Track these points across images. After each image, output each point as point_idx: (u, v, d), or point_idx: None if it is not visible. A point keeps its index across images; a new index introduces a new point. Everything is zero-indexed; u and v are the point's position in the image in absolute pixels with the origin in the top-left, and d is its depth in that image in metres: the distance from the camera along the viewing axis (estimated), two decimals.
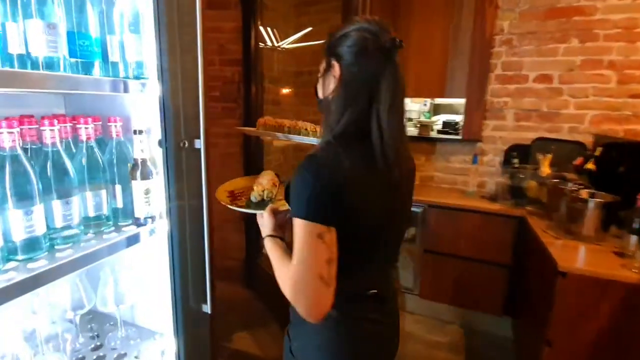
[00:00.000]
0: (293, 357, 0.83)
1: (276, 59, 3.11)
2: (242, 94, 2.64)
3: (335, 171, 0.67)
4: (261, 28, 2.69)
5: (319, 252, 0.67)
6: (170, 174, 0.92)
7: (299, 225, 0.68)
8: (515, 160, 2.47)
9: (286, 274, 0.71)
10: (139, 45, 0.89)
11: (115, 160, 0.94)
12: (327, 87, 0.78)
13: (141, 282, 1.05)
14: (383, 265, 0.83)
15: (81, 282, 0.97)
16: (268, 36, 2.79)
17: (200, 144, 0.95)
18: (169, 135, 0.90)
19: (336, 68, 0.74)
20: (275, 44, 2.91)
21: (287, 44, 3.05)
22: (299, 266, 0.68)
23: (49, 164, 0.78)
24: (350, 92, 0.72)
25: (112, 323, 1.12)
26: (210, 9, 2.53)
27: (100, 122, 0.93)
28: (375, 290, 0.79)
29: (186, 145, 0.94)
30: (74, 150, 0.87)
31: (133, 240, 0.91)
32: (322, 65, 0.78)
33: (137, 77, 0.90)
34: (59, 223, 0.80)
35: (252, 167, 2.69)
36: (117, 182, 0.94)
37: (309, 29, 2.95)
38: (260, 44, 2.70)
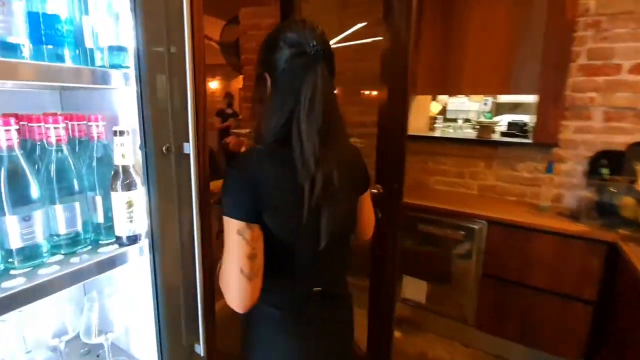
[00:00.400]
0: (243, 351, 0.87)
1: None
2: None
3: (255, 173, 0.73)
4: None
5: (239, 247, 0.71)
6: (150, 185, 0.75)
7: (225, 222, 0.74)
8: (605, 170, 2.00)
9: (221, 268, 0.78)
10: (118, 28, 0.73)
11: (96, 167, 0.79)
12: (259, 95, 0.81)
13: (132, 305, 0.90)
14: (317, 268, 0.81)
15: (63, 305, 0.84)
16: None
17: (189, 148, 0.76)
18: (149, 137, 0.73)
19: (266, 77, 0.78)
20: None
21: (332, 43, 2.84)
22: (224, 260, 0.75)
23: (2, 173, 0.64)
24: (276, 101, 0.75)
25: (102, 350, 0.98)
26: (248, 6, 2.42)
27: (79, 122, 0.78)
28: (317, 289, 0.82)
29: (172, 150, 0.76)
30: (38, 155, 0.73)
31: (112, 262, 0.75)
32: (256, 74, 0.83)
33: (114, 67, 0.73)
34: (15, 243, 0.66)
35: None
36: (97, 192, 0.79)
37: (359, 25, 2.72)
38: None
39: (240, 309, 0.73)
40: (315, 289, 0.81)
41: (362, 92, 2.82)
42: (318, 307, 0.83)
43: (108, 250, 0.77)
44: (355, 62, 2.69)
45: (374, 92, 2.87)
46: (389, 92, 1.32)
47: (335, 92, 0.80)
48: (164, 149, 0.74)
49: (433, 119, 3.06)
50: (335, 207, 0.76)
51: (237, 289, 0.72)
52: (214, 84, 8.16)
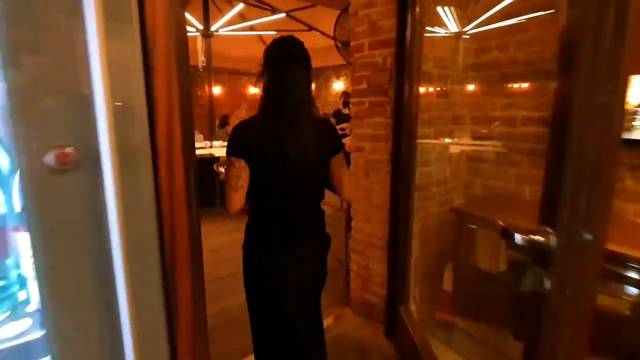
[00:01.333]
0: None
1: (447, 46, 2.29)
2: (393, 84, 1.99)
3: (246, 130, 1.21)
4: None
5: (231, 171, 1.15)
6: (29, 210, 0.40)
7: (227, 160, 1.18)
8: None
9: None
10: None
11: None
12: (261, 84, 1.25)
13: None
14: (297, 193, 1.22)
15: None
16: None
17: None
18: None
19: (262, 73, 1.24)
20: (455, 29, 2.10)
21: (470, 28, 2.21)
22: (226, 185, 1.17)
23: None
24: (265, 88, 1.22)
25: None
26: None
27: None
28: (289, 215, 1.23)
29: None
30: None
31: None
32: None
33: None
34: None
35: (402, 180, 1.99)
36: None
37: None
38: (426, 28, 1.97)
39: (230, 213, 1.17)
40: (290, 216, 1.24)
41: (508, 83, 2.10)
42: (293, 231, 1.25)
43: None
44: (496, 49, 2.02)
45: (524, 84, 2.09)
46: (576, 73, 0.69)
47: (311, 85, 1.26)
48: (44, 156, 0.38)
49: (632, 113, 2.02)
50: (299, 159, 1.18)
51: (227, 198, 1.16)
52: (339, 85, 8.12)
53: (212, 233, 3.91)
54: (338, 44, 4.85)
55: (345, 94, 5.44)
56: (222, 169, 1.35)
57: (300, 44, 1.20)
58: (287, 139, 1.16)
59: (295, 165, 1.17)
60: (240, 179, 1.14)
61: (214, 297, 2.60)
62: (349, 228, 2.67)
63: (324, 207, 1.38)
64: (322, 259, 1.37)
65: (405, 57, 1.89)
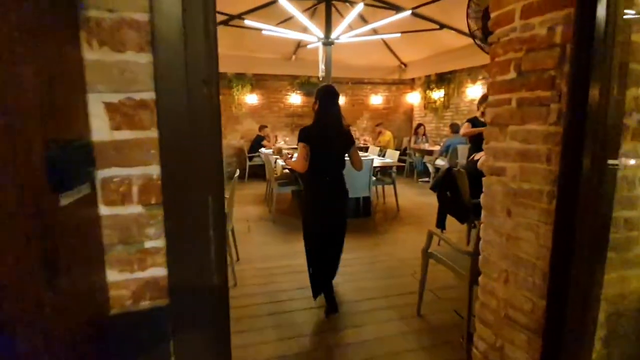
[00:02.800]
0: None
1: None
2: (567, 68, 1.19)
3: (308, 131, 2.29)
4: None
5: (302, 151, 2.25)
6: None
7: (299, 145, 2.30)
8: None
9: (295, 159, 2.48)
10: None
11: None
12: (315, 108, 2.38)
13: None
14: (331, 165, 2.35)
15: None
16: None
17: None
18: None
19: (316, 103, 2.36)
20: None
21: None
22: (298, 156, 2.33)
23: None
24: (317, 111, 2.35)
25: None
26: None
27: None
28: (327, 176, 2.36)
29: None
30: None
31: None
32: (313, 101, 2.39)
33: None
34: None
35: (581, 228, 1.16)
36: None
37: None
38: None
39: (301, 170, 2.33)
40: (327, 177, 2.36)
41: None
42: (329, 184, 2.34)
43: None
44: None
45: None
46: None
47: (340, 109, 2.40)
48: None
49: None
50: (332, 147, 2.34)
51: (300, 165, 2.28)
52: (474, 90, 6.93)
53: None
54: (476, 38, 3.95)
55: (484, 99, 4.40)
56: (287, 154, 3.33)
57: (335, 88, 2.41)
58: (327, 138, 2.30)
59: (331, 151, 2.34)
60: (308, 156, 2.27)
61: None
62: (474, 278, 1.90)
63: None
64: (344, 202, 2.51)
65: (595, 22, 1.09)
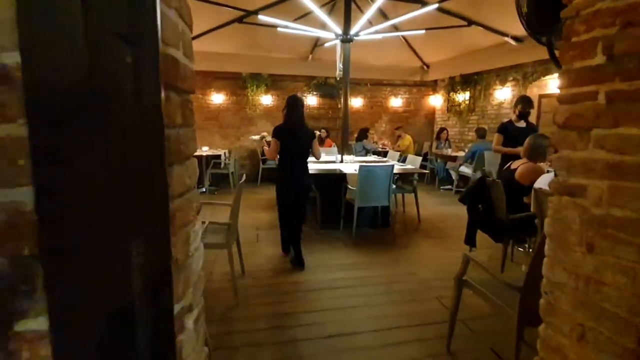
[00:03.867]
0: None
1: None
2: None
3: (281, 129, 3.05)
4: None
5: (274, 145, 3.03)
6: None
7: (272, 140, 3.07)
8: None
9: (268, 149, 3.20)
10: None
11: None
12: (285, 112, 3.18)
13: None
14: (296, 159, 3.14)
15: None
16: None
17: None
18: None
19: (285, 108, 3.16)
20: None
21: None
22: (270, 149, 3.12)
23: None
24: (286, 114, 3.12)
25: None
26: None
27: None
28: (293, 163, 3.14)
29: None
30: None
31: None
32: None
33: None
34: None
35: None
36: None
37: None
38: None
39: (272, 158, 3.23)
40: (294, 163, 3.14)
41: None
42: (295, 168, 3.13)
43: None
44: None
45: None
46: None
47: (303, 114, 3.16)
48: None
49: None
50: (301, 142, 3.12)
51: (272, 155, 3.13)
52: (503, 93, 6.43)
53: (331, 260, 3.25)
54: (527, 23, 3.55)
55: (524, 101, 3.94)
56: (267, 142, 3.27)
57: (300, 97, 3.21)
58: (294, 134, 3.04)
59: (297, 144, 3.08)
60: (278, 149, 3.03)
61: None
62: (526, 319, 1.53)
63: None
64: (307, 185, 3.25)
65: None
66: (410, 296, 2.72)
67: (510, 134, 3.91)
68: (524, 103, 3.91)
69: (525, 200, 2.96)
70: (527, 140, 3.00)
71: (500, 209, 2.89)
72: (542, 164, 2.97)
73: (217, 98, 7.64)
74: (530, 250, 3.69)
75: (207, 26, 5.98)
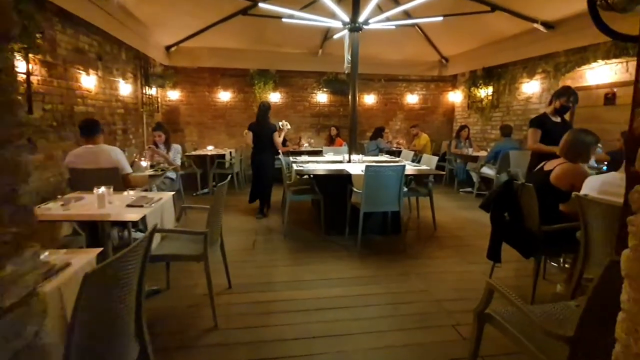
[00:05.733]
0: None
1: None
2: None
3: (252, 124, 4.81)
4: None
5: (248, 135, 4.71)
6: None
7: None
8: None
9: None
10: None
11: None
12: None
13: None
14: (261, 143, 4.71)
15: None
16: None
17: None
18: None
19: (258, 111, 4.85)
20: None
21: None
22: (247, 137, 4.91)
23: None
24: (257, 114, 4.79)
25: None
26: None
27: None
28: (259, 148, 4.76)
29: None
30: None
31: None
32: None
33: None
34: None
35: None
36: None
37: None
38: None
39: (250, 145, 4.80)
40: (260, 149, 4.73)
41: None
42: (261, 152, 4.74)
43: None
44: None
45: None
46: None
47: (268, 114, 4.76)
48: None
49: None
50: (264, 134, 4.69)
51: (249, 143, 4.78)
52: (531, 86, 5.82)
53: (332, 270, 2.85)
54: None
55: (569, 93, 3.35)
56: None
57: (268, 103, 4.83)
58: (260, 128, 4.64)
59: (262, 135, 4.64)
60: (251, 138, 4.65)
61: None
62: None
63: None
64: (271, 164, 4.81)
65: None
66: (420, 322, 2.28)
67: (546, 129, 3.37)
68: (568, 95, 3.33)
69: (561, 207, 2.46)
70: (565, 137, 2.49)
71: (531, 218, 2.41)
72: (583, 164, 2.46)
73: (224, 96, 7.37)
74: (566, 265, 3.16)
75: (210, 20, 5.70)
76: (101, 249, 1.61)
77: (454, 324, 2.24)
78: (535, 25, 5.01)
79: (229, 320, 2.27)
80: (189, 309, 2.41)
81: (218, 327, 2.18)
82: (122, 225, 3.06)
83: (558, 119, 3.45)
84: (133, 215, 2.14)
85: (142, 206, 2.31)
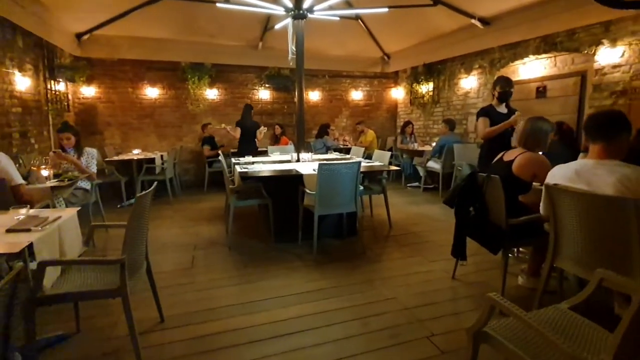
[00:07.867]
0: None
1: None
2: None
3: (240, 121, 5.69)
4: None
5: (237, 129, 5.63)
6: None
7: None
8: None
9: None
10: None
11: None
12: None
13: None
14: (248, 137, 5.65)
15: None
16: None
17: None
18: None
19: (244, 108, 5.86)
20: None
21: None
22: (235, 132, 6.01)
23: None
24: (242, 114, 5.78)
25: None
26: None
27: None
28: (247, 141, 5.70)
29: None
30: None
31: None
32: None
33: None
34: None
35: None
36: None
37: None
38: None
39: (237, 137, 5.70)
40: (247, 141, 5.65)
41: None
42: (248, 144, 5.64)
43: None
44: None
45: None
46: None
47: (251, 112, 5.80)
48: None
49: None
50: (248, 129, 5.64)
51: (237, 136, 5.70)
52: (469, 82, 6.01)
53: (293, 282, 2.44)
54: None
55: (503, 80, 3.44)
56: (228, 129, 5.84)
57: (250, 104, 5.84)
58: (247, 122, 5.61)
59: (249, 130, 5.60)
60: (239, 132, 5.57)
61: None
62: None
63: None
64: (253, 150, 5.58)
65: None
66: (392, 337, 2.01)
67: (493, 120, 3.36)
68: (503, 82, 3.40)
69: (521, 199, 2.37)
70: (523, 125, 2.41)
71: (497, 212, 2.28)
72: (541, 153, 2.40)
73: (152, 92, 6.53)
74: (519, 255, 3.15)
75: (130, 4, 4.94)
76: None
77: (428, 335, 2.00)
78: (473, 21, 5.13)
79: None
80: (106, 358, 1.85)
81: None
82: (16, 254, 2.35)
83: (504, 110, 3.47)
84: (10, 244, 1.54)
85: (28, 230, 1.71)
